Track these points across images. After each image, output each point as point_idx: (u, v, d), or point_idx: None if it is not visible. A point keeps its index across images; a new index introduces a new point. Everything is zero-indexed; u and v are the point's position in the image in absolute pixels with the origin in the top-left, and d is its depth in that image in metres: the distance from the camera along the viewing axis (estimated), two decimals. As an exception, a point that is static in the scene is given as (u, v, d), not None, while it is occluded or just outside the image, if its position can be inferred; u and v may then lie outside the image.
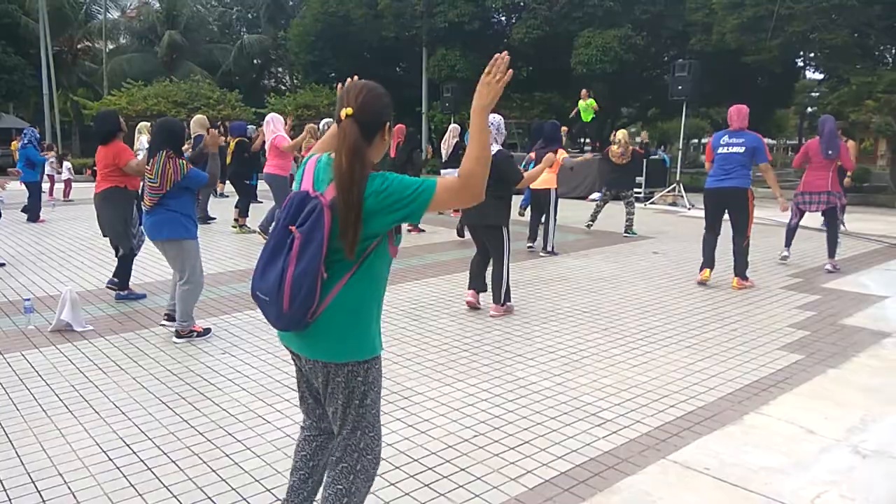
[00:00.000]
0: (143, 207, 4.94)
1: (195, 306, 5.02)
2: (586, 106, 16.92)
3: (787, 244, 7.97)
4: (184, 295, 4.87)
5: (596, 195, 13.73)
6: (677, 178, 14.87)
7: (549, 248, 8.38)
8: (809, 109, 33.21)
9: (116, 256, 6.14)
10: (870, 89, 16.56)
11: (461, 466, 3.09)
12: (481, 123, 2.02)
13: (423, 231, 9.89)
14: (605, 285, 6.76)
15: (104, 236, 6.20)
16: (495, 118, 5.68)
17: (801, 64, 23.81)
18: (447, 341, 4.93)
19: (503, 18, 25.96)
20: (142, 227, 5.68)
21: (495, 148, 5.51)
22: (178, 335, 4.92)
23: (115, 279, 6.10)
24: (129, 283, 6.18)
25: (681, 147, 16.68)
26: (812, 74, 27.14)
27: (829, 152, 7.26)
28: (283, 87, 38.50)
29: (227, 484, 2.92)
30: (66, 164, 15.73)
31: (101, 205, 5.97)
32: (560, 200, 8.72)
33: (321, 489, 2.26)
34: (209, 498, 2.81)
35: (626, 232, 9.75)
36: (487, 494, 2.85)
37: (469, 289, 5.91)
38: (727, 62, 20.01)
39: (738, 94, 22.18)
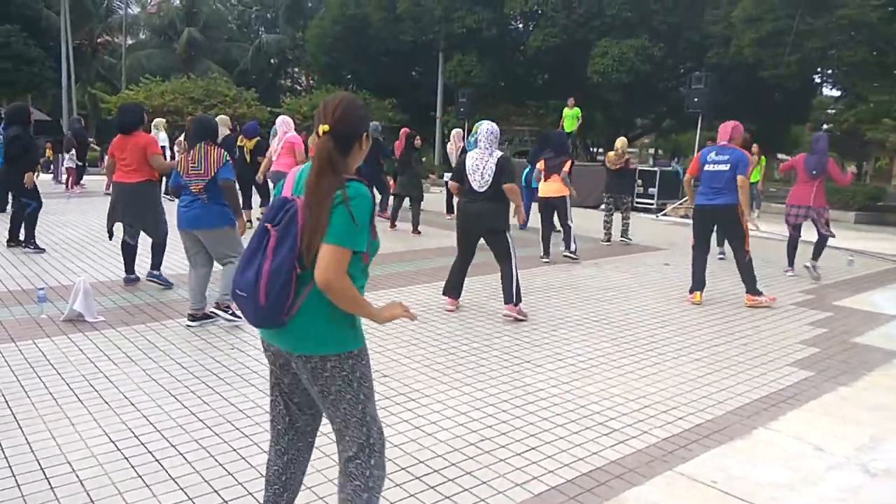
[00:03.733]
0: (184, 197, 5.13)
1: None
2: (572, 115, 16.84)
3: (790, 262, 8.07)
4: (227, 272, 5.11)
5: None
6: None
7: (571, 249, 8.37)
8: (825, 126, 33.04)
9: (126, 244, 6.36)
10: (888, 108, 16.48)
11: (467, 470, 3.09)
12: (369, 312, 2.17)
13: (420, 234, 10.09)
14: (615, 295, 6.74)
15: (127, 225, 6.31)
16: (494, 127, 5.76)
17: (818, 80, 23.72)
18: (455, 345, 4.94)
19: (521, 25, 26.02)
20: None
21: (497, 154, 5.63)
22: (217, 307, 5.26)
23: (155, 269, 6.38)
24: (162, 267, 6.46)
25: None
26: (829, 91, 27.05)
27: (814, 171, 7.56)
28: (299, 88, 38.73)
29: (234, 478, 2.94)
30: (71, 153, 14.67)
31: (134, 196, 6.12)
32: (579, 209, 8.74)
33: (338, 491, 2.28)
34: (215, 491, 2.83)
35: (622, 237, 9.93)
36: (493, 499, 2.85)
37: (445, 294, 5.97)
38: (744, 76, 19.96)
39: (754, 109, 22.20)
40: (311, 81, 36.49)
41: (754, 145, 16.93)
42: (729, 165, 6.29)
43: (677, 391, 4.18)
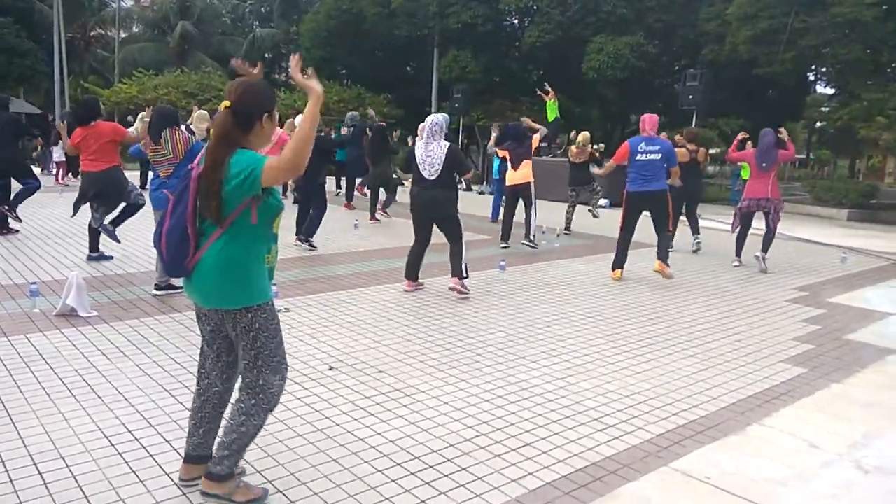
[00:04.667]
0: (154, 180, 5.77)
1: None
2: (552, 105, 17.16)
3: (738, 253, 8.41)
4: None
5: (603, 202, 13.77)
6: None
7: (531, 238, 8.71)
8: (819, 124, 33.14)
9: (90, 228, 6.95)
10: (881, 106, 16.54)
11: (462, 466, 3.09)
12: (311, 117, 2.45)
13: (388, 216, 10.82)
14: (609, 291, 6.75)
15: (95, 208, 6.86)
16: (437, 117, 6.20)
17: (812, 78, 23.78)
18: (451, 340, 4.94)
19: (516, 21, 25.96)
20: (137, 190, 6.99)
21: (445, 143, 6.04)
22: (157, 287, 5.76)
23: (111, 224, 6.92)
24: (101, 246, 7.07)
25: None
26: (823, 89, 27.12)
27: (763, 164, 7.97)
28: (294, 83, 38.55)
29: (228, 474, 2.92)
30: (59, 145, 14.11)
31: (104, 183, 6.74)
32: (546, 202, 9.29)
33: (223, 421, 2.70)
34: (210, 487, 2.82)
35: (589, 210, 10.62)
36: (488, 495, 2.85)
37: (406, 278, 6.38)
38: (738, 73, 19.99)
39: (749, 106, 22.23)
40: (306, 76, 36.34)
41: (748, 143, 17.02)
42: (661, 155, 7.00)
43: (671, 387, 4.19)
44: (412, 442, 3.31)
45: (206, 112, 9.49)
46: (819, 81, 24.44)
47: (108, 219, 6.86)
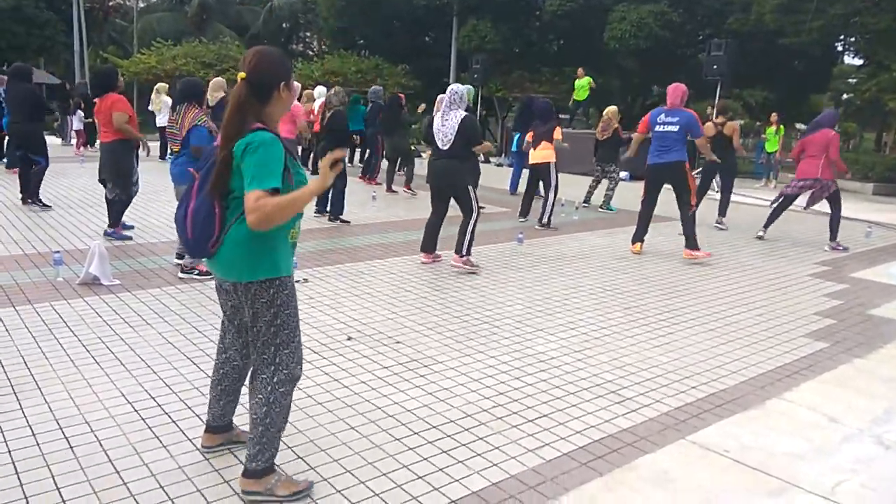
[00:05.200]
0: (169, 155, 5.53)
1: None
2: (582, 84, 17.15)
3: (766, 225, 8.38)
4: None
5: (624, 174, 13.61)
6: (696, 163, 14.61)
7: (544, 222, 8.47)
8: (845, 96, 32.40)
9: (106, 200, 6.80)
10: (911, 77, 16.09)
11: (479, 435, 3.11)
12: (308, 194, 2.32)
13: (414, 193, 10.56)
14: (628, 265, 6.71)
15: (101, 181, 6.86)
16: (461, 87, 6.16)
17: (840, 48, 23.15)
18: (468, 312, 4.94)
19: (536, -10, 25.45)
20: (138, 177, 6.84)
21: (461, 114, 5.97)
22: (182, 270, 5.50)
23: (110, 225, 6.80)
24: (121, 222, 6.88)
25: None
26: (851, 60, 26.42)
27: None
28: (311, 53, 38.32)
29: (249, 440, 2.97)
30: (79, 113, 14.58)
31: (106, 155, 6.63)
32: (570, 176, 9.06)
33: (249, 398, 2.60)
34: (231, 452, 2.86)
35: (602, 207, 10.15)
36: (505, 464, 2.87)
37: (422, 251, 6.38)
38: (764, 43, 19.51)
39: (774, 77, 21.73)
40: (324, 46, 36.08)
41: (773, 114, 16.62)
42: (678, 127, 6.80)
43: (690, 361, 4.17)
44: (430, 411, 3.33)
45: (222, 80, 9.45)
46: (847, 52, 23.79)
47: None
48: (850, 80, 27.49)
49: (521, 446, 3.03)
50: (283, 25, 37.22)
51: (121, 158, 6.58)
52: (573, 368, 3.96)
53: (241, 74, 2.36)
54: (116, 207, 6.73)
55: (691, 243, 6.93)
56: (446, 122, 5.99)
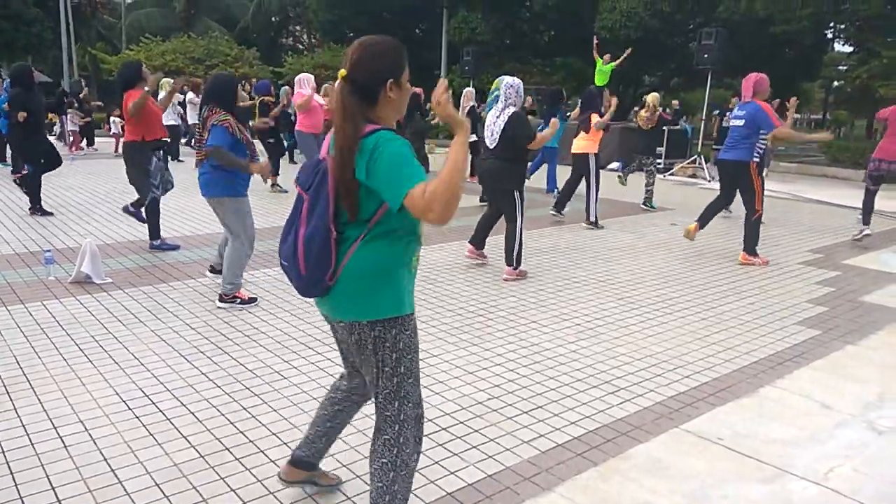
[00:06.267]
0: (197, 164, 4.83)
1: (242, 271, 4.81)
2: (605, 70, 16.42)
3: (866, 221, 7.63)
4: (229, 254, 4.75)
5: (615, 164, 13.58)
6: (698, 150, 14.64)
7: (591, 219, 7.94)
8: (836, 83, 32.48)
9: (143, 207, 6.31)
10: (901, 63, 16.14)
11: (475, 428, 3.12)
12: (462, 152, 1.92)
13: None
14: (621, 255, 6.72)
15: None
16: (515, 81, 5.68)
17: (830, 36, 23.19)
18: (462, 305, 4.94)
19: (526, -20, 25.39)
20: (167, 174, 6.15)
21: (509, 111, 5.55)
22: (221, 299, 4.74)
23: (152, 237, 6.31)
24: (161, 234, 6.38)
25: (703, 118, 16.35)
26: (841, 47, 26.48)
27: None
28: (301, 47, 38.17)
29: (245, 436, 2.97)
30: (114, 118, 15.02)
31: (125, 156, 6.27)
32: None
33: (369, 463, 2.17)
34: (227, 449, 2.86)
35: (644, 204, 9.54)
36: (500, 456, 2.88)
37: (470, 242, 6.16)
38: (754, 32, 19.53)
39: (765, 65, 21.70)
40: (314, 40, 35.93)
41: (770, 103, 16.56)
42: (744, 122, 6.33)
43: (683, 350, 4.19)
44: (425, 405, 3.31)
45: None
46: (837, 39, 23.82)
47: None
48: (840, 68, 27.53)
49: (515, 437, 3.04)
50: (273, 19, 37.02)
51: (134, 159, 6.13)
52: (567, 360, 3.97)
53: (342, 73, 1.98)
54: (151, 220, 6.26)
55: (749, 248, 6.51)
56: (497, 119, 5.57)
